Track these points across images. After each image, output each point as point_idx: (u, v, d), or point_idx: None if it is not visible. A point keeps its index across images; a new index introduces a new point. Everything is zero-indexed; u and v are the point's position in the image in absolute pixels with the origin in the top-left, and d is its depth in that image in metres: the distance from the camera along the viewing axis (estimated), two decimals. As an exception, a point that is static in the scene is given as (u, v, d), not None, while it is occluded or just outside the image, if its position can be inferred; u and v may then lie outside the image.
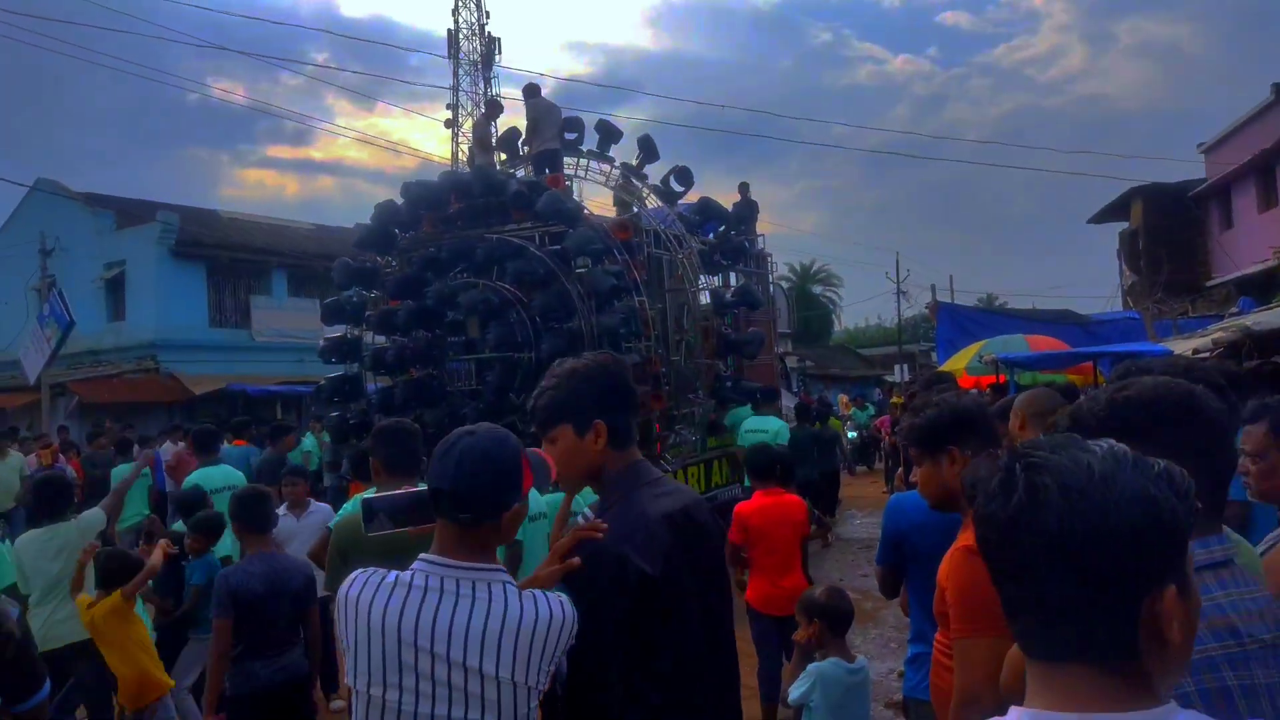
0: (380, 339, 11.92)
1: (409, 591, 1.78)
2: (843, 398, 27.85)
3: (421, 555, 1.84)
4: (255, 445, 10.91)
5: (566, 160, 12.77)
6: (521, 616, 1.76)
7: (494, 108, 14.95)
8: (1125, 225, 26.17)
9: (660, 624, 1.91)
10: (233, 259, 23.39)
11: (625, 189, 13.29)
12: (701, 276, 12.74)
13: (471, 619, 1.75)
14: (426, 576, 1.79)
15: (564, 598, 1.85)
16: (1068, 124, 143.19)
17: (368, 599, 1.79)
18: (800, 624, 3.94)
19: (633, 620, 1.88)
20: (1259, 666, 1.33)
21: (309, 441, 13.61)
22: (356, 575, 1.84)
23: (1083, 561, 0.96)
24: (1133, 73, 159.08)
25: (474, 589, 1.77)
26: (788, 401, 14.80)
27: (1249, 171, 20.59)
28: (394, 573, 1.81)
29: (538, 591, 1.85)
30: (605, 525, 1.93)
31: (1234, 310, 15.63)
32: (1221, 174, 21.84)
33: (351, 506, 4.27)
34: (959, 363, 13.44)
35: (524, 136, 12.95)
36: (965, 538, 2.12)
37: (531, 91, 12.81)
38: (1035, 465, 1.00)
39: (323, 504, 6.22)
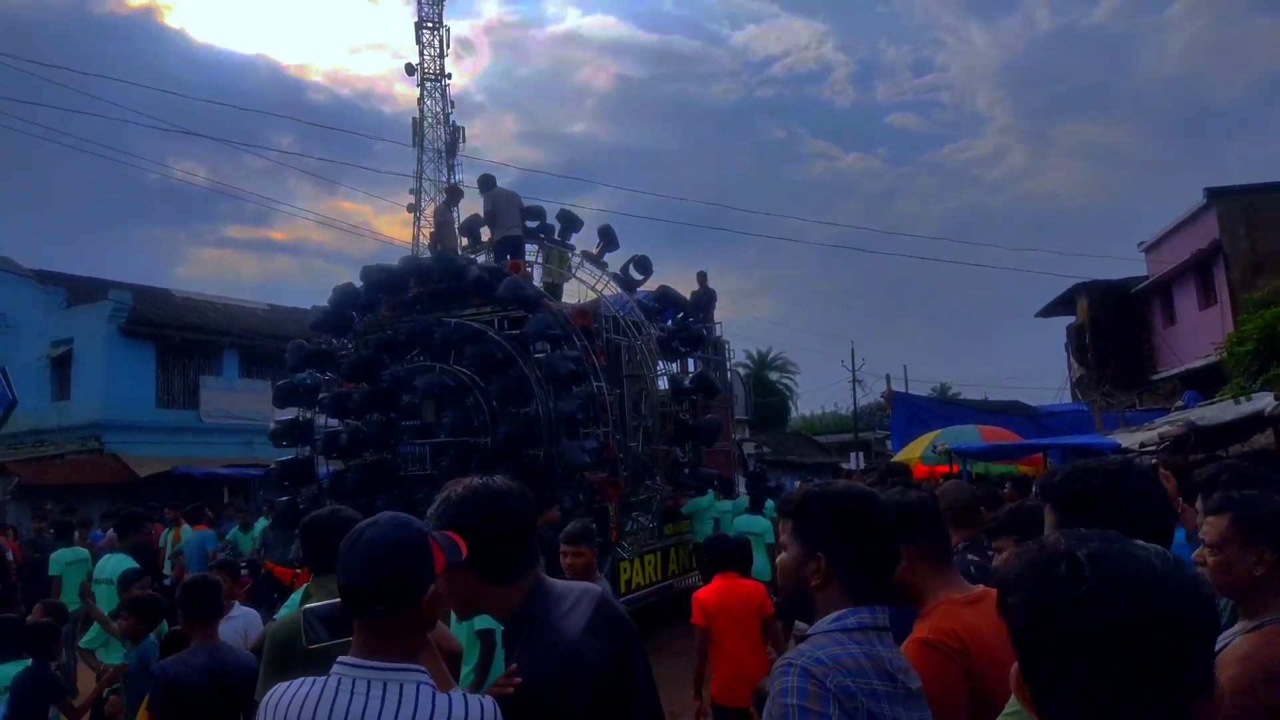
0: (333, 422, 11.76)
1: (323, 693, 1.75)
2: (798, 484, 27.88)
3: (340, 659, 1.80)
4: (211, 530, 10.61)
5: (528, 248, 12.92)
6: (433, 716, 1.72)
7: (455, 194, 15.12)
8: (1072, 319, 26.88)
9: None
10: (184, 339, 23.06)
11: (550, 257, 13.41)
12: (660, 363, 12.81)
13: (381, 718, 1.71)
14: (339, 680, 1.76)
15: (486, 699, 1.81)
16: (1013, 221, 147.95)
17: (286, 701, 1.77)
18: (754, 716, 3.86)
19: None
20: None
21: (260, 525, 13.26)
22: (278, 685, 1.82)
23: (1143, 653, 0.95)
24: (1074, 173, 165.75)
25: (385, 689, 1.73)
26: (744, 488, 14.76)
27: (1188, 271, 21.36)
28: (314, 679, 1.78)
29: (459, 692, 1.81)
30: (517, 680, 1.86)
31: (1179, 404, 16.01)
32: (1162, 272, 22.63)
33: (292, 605, 4.10)
34: (913, 452, 13.56)
35: (485, 225, 13.07)
36: (920, 629, 2.12)
37: (487, 184, 12.95)
38: (1096, 556, 1.01)
39: (248, 609, 5.67)
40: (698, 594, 5.55)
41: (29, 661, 5.08)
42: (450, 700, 1.76)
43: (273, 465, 12.22)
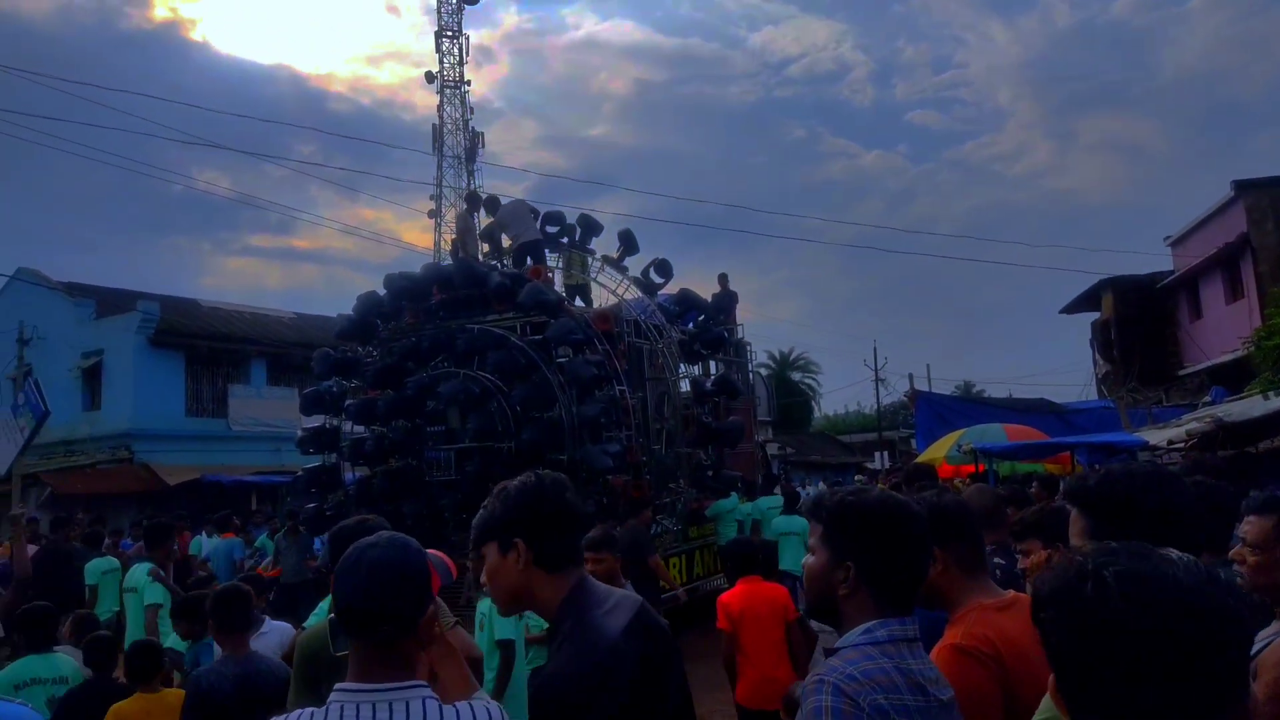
0: (359, 429, 11.85)
1: None
2: (820, 485, 27.81)
3: (338, 685, 1.77)
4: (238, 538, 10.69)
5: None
6: None
7: (475, 201, 15.21)
8: (1097, 315, 26.65)
9: None
10: (211, 348, 23.34)
11: (572, 262, 13.47)
12: (681, 366, 12.81)
13: None
14: (341, 708, 1.72)
15: (492, 704, 1.83)
16: (1036, 217, 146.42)
17: None
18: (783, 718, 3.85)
19: None
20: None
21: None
22: None
23: (1171, 667, 0.97)
24: (1098, 168, 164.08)
25: (391, 710, 1.71)
26: (777, 488, 14.75)
27: (1215, 265, 21.12)
28: (312, 710, 1.75)
29: (465, 703, 1.82)
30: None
31: (1206, 399, 15.84)
32: (1188, 266, 22.39)
33: (321, 614, 4.10)
34: (938, 451, 13.50)
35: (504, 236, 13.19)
36: (952, 635, 2.11)
37: (492, 205, 13.22)
38: (1124, 573, 1.03)
39: (280, 622, 5.51)
40: (722, 598, 5.55)
41: (54, 653, 5.10)
42: (457, 710, 1.76)
43: (300, 472, 12.32)
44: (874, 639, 1.72)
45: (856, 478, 17.95)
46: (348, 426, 11.95)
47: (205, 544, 13.26)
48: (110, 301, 23.49)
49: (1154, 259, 25.98)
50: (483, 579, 2.07)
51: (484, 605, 5.12)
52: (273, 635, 5.11)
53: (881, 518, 1.81)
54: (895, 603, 1.78)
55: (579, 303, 13.09)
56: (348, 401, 11.75)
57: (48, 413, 14.77)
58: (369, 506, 10.44)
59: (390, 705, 1.71)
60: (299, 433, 12.36)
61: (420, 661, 1.86)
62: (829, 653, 1.78)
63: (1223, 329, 20.42)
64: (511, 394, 10.54)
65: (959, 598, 2.18)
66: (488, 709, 1.80)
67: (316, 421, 12.08)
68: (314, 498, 11.86)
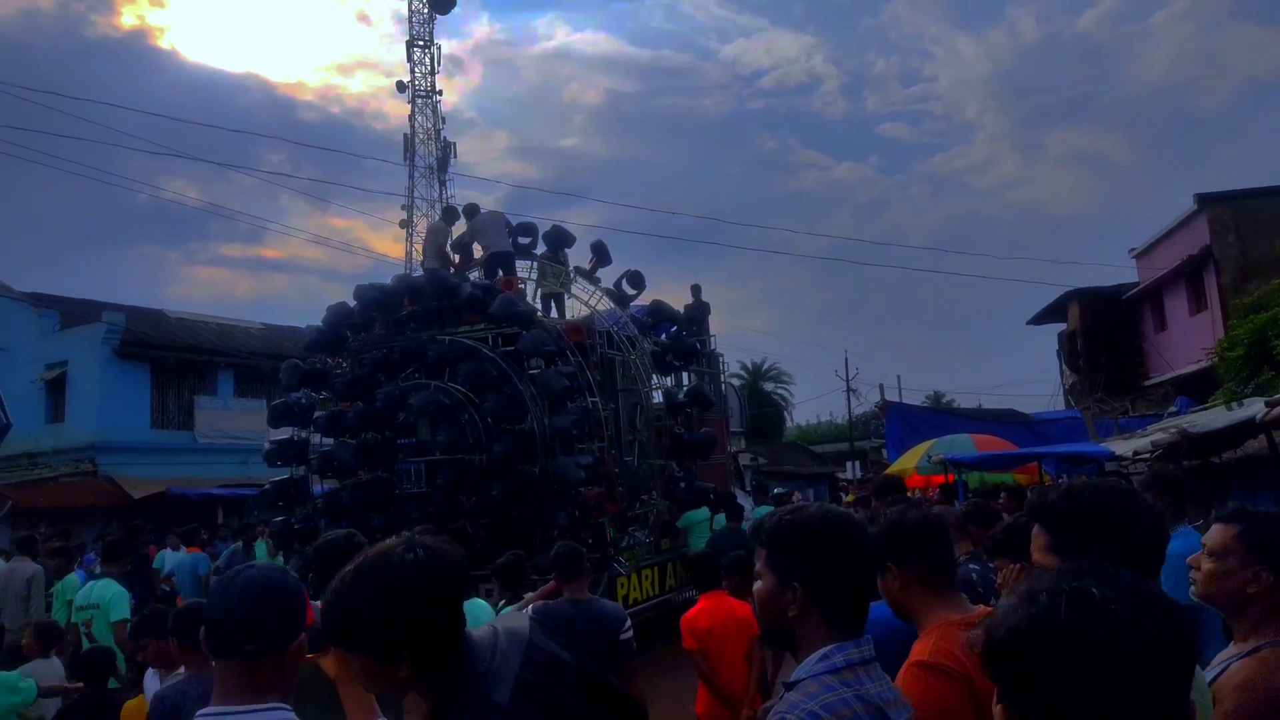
0: (328, 441, 11.74)
1: None
2: (795, 495, 27.89)
3: (199, 713, 1.77)
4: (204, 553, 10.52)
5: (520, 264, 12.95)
6: None
7: (450, 214, 15.15)
8: (1063, 326, 26.95)
9: None
10: (178, 359, 23.03)
11: (545, 273, 13.43)
12: (654, 377, 12.82)
13: None
14: None
15: None
16: (1004, 229, 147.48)
17: None
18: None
19: None
20: None
21: (260, 549, 13.16)
22: None
23: (1129, 686, 0.98)
24: (1064, 180, 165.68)
25: None
26: (742, 500, 14.76)
27: (1179, 276, 21.44)
28: None
29: None
30: None
31: (1172, 409, 16.05)
32: (1153, 278, 22.72)
33: None
34: (909, 462, 13.58)
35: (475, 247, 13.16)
36: (919, 652, 2.11)
37: (470, 211, 13.23)
38: (1080, 593, 1.03)
39: None
40: (686, 617, 5.45)
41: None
42: None
43: (267, 485, 12.18)
44: (832, 666, 1.67)
45: (775, 490, 18.26)
46: (316, 439, 11.84)
47: (169, 559, 13.03)
48: (75, 312, 23.14)
49: (1119, 271, 26.30)
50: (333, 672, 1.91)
51: None
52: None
53: (821, 534, 1.74)
54: (847, 621, 1.72)
55: (554, 311, 13.09)
56: (317, 414, 11.64)
57: (9, 425, 14.55)
58: (337, 520, 10.35)
59: None
60: (267, 445, 12.21)
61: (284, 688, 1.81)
62: (788, 686, 1.73)
63: (1187, 340, 20.72)
64: (483, 406, 10.49)
65: (924, 614, 2.18)
66: None
67: (285, 434, 11.94)
68: (281, 511, 11.73)
